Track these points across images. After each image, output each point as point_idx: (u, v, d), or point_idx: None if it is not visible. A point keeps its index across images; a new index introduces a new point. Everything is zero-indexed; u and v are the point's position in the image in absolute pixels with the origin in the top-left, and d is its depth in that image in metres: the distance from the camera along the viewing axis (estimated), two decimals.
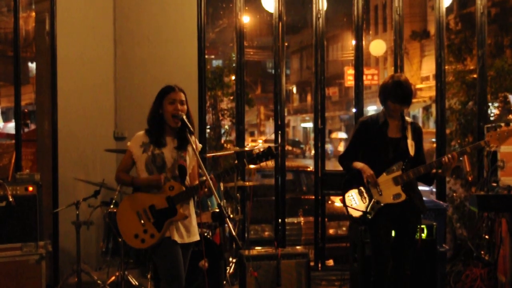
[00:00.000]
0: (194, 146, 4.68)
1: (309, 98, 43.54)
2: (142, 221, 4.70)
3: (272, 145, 7.70)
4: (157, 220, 4.69)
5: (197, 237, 4.84)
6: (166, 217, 4.68)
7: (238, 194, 7.31)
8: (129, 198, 4.80)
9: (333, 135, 38.18)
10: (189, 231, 4.77)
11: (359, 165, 5.42)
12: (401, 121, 5.47)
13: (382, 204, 5.32)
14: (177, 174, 4.74)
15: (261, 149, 4.83)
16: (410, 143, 5.39)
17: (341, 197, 5.62)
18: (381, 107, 5.55)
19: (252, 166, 5.20)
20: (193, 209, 4.87)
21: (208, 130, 9.69)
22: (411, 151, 5.38)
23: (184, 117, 4.70)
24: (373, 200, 5.35)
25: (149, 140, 4.76)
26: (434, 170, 5.39)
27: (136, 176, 4.79)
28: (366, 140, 5.46)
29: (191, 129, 4.70)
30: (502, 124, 5.32)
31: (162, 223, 4.68)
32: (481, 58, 7.96)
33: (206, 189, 4.67)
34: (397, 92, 5.33)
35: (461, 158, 6.15)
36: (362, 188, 5.39)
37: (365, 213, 5.35)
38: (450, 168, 5.30)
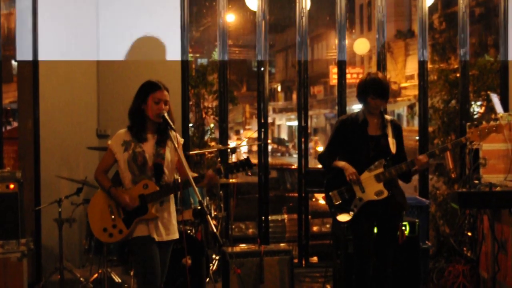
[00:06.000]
0: (175, 142, 4.68)
1: (294, 96, 43.47)
2: (113, 216, 4.71)
3: (255, 143, 7.71)
4: (127, 216, 4.70)
5: (176, 235, 4.82)
6: (136, 215, 4.68)
7: (221, 192, 7.31)
8: (102, 192, 4.80)
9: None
10: (168, 229, 4.76)
11: (340, 163, 5.43)
12: (380, 118, 5.49)
13: (364, 201, 5.35)
14: None
15: (240, 159, 4.85)
16: (391, 140, 5.42)
17: (323, 194, 5.64)
18: None
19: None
20: (174, 207, 4.86)
21: (192, 129, 9.66)
22: (392, 148, 5.40)
23: (166, 114, 4.70)
24: (355, 197, 5.37)
25: (131, 137, 4.74)
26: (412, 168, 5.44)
27: (115, 186, 4.75)
28: (346, 138, 5.48)
29: (172, 125, 4.70)
30: (484, 122, 5.38)
31: (132, 220, 4.68)
32: (463, 57, 8.02)
33: (206, 181, 4.69)
34: (376, 87, 5.35)
35: (442, 155, 6.20)
36: (343, 188, 5.41)
37: (348, 210, 5.38)
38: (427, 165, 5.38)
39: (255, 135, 8.16)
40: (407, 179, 5.53)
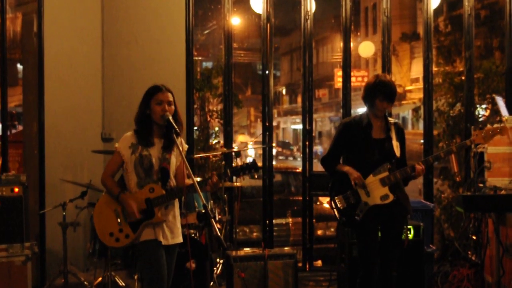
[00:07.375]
0: (181, 148, 4.67)
1: (299, 99, 43.53)
2: (119, 220, 4.69)
3: (259, 146, 7.70)
4: (134, 221, 4.67)
5: (181, 239, 4.81)
6: (143, 219, 4.67)
7: (225, 195, 7.30)
8: (108, 196, 4.78)
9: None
10: (173, 232, 4.75)
11: (344, 167, 5.40)
12: (384, 122, 5.47)
13: (370, 205, 5.33)
14: None
15: (246, 161, 4.85)
16: (395, 144, 5.38)
17: (328, 199, 5.62)
18: None
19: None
20: (178, 210, 4.85)
21: (196, 132, 9.67)
22: (397, 152, 5.37)
23: (170, 117, 4.67)
24: (361, 202, 5.35)
25: (137, 140, 4.74)
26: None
27: (124, 192, 4.72)
28: (349, 142, 5.45)
29: (177, 130, 4.68)
30: (488, 124, 5.37)
31: (138, 225, 4.67)
32: (468, 59, 7.99)
33: (208, 187, 4.70)
34: (385, 90, 5.33)
35: (447, 158, 6.19)
36: (349, 192, 5.38)
37: (353, 215, 5.35)
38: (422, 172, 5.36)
39: (250, 138, 8.18)
40: (405, 183, 5.51)
